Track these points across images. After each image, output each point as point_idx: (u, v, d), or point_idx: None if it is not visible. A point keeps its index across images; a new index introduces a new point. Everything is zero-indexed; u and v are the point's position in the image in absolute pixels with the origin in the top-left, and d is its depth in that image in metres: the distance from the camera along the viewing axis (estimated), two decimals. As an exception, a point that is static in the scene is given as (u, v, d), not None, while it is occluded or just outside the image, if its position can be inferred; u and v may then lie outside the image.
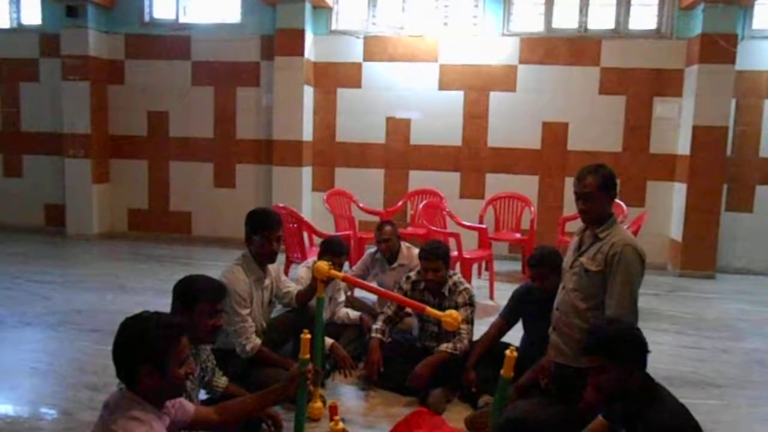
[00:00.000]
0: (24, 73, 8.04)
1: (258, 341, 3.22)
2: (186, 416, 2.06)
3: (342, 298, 4.21)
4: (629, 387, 2.01)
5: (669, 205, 7.05)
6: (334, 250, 3.89)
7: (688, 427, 1.93)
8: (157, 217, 8.08)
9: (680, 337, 4.68)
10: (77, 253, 7.14)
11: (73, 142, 7.69)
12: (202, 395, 2.82)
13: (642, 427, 1.94)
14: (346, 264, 5.48)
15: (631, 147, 7.09)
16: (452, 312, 2.93)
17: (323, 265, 3.13)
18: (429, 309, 3.04)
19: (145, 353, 1.76)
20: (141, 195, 8.09)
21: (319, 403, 3.19)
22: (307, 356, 2.54)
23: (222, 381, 2.77)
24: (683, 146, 6.80)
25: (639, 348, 2.04)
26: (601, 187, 2.75)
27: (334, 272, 3.16)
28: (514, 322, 3.57)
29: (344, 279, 3.40)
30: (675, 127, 6.95)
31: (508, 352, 2.19)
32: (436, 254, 3.60)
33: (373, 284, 4.46)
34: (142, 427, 1.72)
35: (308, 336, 2.56)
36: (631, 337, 2.06)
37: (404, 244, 4.50)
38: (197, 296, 2.45)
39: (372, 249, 4.67)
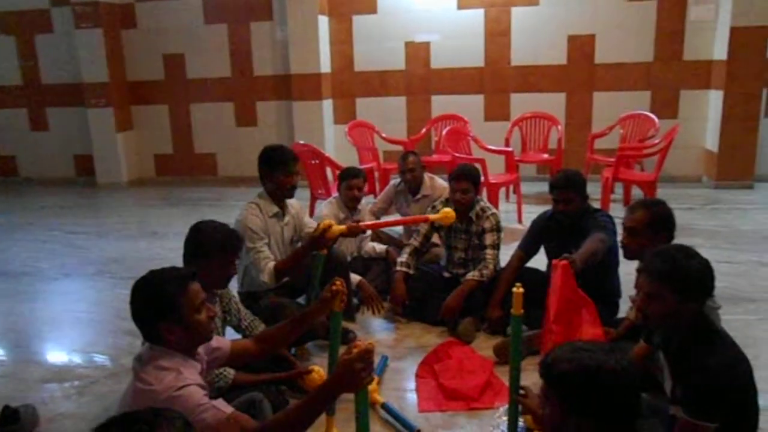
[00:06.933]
0: (37, 24, 7.94)
1: (272, 263, 3.11)
2: (223, 354, 2.11)
3: (368, 232, 4.21)
4: (679, 322, 1.87)
5: (704, 115, 6.74)
6: (349, 173, 4.09)
7: (733, 376, 1.76)
8: (183, 160, 8.11)
9: (715, 251, 4.56)
10: (109, 202, 7.27)
11: (93, 91, 7.67)
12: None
13: (687, 366, 1.81)
14: (371, 197, 5.48)
15: (663, 55, 6.73)
16: (446, 210, 3.35)
17: (334, 228, 2.95)
18: (431, 216, 3.46)
19: (158, 311, 1.78)
20: (165, 140, 8.10)
21: None
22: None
23: (259, 327, 2.78)
24: (720, 51, 6.42)
25: (706, 290, 1.87)
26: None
27: (351, 225, 3.14)
28: (534, 253, 3.48)
29: (368, 227, 3.66)
30: (711, 30, 6.55)
31: (514, 289, 2.15)
32: (466, 175, 3.57)
33: (393, 217, 4.50)
34: (170, 374, 1.75)
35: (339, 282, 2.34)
36: (704, 278, 1.85)
37: (427, 175, 4.43)
38: (208, 249, 2.40)
39: (395, 180, 4.61)
